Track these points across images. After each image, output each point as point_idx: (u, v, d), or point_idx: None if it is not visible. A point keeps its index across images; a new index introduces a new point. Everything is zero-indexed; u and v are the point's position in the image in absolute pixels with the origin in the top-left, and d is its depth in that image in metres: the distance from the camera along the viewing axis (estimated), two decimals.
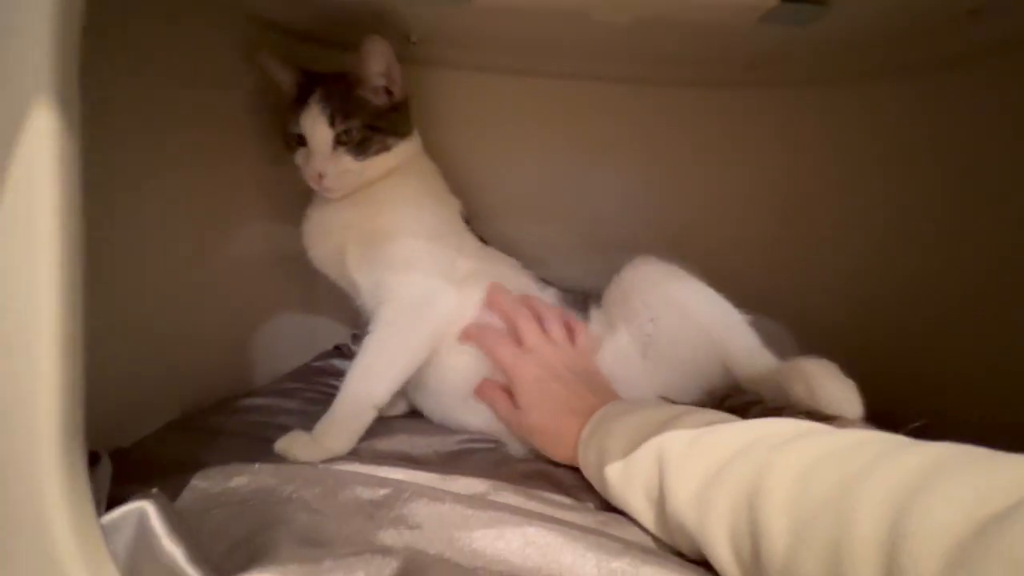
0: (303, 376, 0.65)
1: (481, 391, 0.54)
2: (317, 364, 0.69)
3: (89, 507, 0.24)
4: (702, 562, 0.32)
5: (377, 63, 0.56)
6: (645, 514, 0.36)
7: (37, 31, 0.20)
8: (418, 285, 0.54)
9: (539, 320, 0.54)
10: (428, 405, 0.59)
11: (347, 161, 0.54)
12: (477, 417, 0.55)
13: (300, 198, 0.62)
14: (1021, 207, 0.53)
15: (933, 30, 0.51)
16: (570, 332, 0.54)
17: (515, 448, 0.53)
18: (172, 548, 0.24)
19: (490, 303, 0.56)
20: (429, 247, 0.56)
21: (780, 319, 0.62)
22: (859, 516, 0.23)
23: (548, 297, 0.60)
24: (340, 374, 0.66)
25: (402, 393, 0.59)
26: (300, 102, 0.54)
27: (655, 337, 0.54)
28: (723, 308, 0.53)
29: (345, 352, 0.72)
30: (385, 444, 0.51)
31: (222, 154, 0.58)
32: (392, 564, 0.26)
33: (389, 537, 0.30)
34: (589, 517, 0.37)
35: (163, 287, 0.51)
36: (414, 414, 0.61)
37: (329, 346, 0.75)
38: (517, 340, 0.53)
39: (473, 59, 0.67)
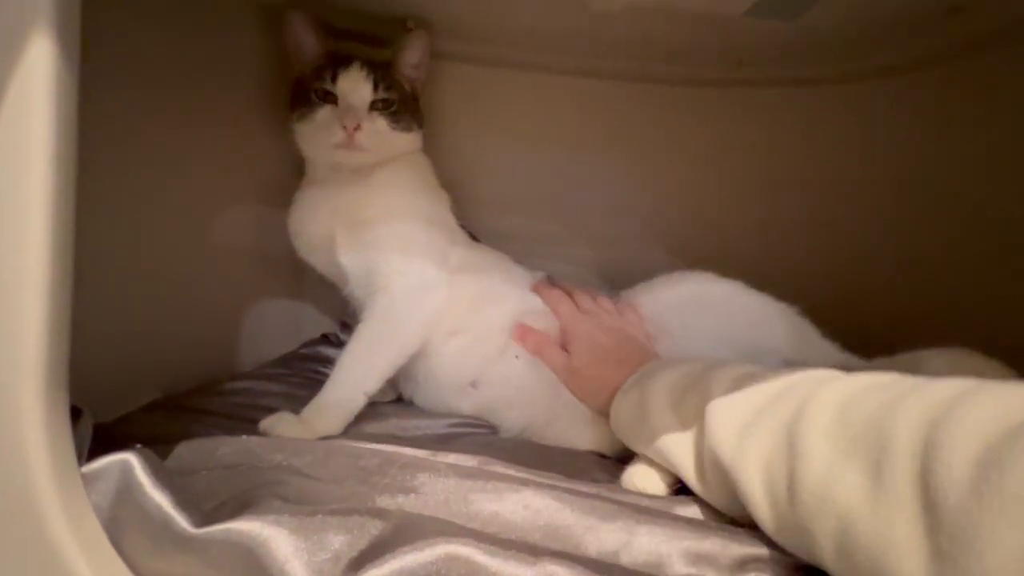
0: (289, 362, 0.64)
1: (523, 336, 0.55)
2: (304, 351, 0.68)
3: (70, 453, 0.23)
4: (721, 519, 0.33)
5: (413, 55, 0.59)
6: (685, 455, 0.37)
7: None
8: (414, 272, 0.54)
9: (590, 294, 0.57)
10: (419, 393, 0.59)
11: (382, 124, 0.56)
12: (469, 402, 0.55)
13: (287, 187, 0.61)
14: (1001, 199, 0.55)
15: (914, 27, 0.53)
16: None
17: (507, 428, 0.53)
18: (158, 496, 0.23)
19: (538, 288, 0.58)
20: (426, 231, 0.57)
21: None
22: (897, 432, 0.24)
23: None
24: (327, 361, 0.65)
25: (391, 380, 0.58)
26: (330, 67, 0.55)
27: (676, 333, 0.54)
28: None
29: (333, 341, 0.71)
30: (375, 427, 0.51)
31: (213, 138, 0.57)
32: (386, 522, 0.25)
33: (383, 501, 0.30)
34: (582, 487, 0.37)
35: (149, 267, 0.50)
36: (401, 401, 0.61)
37: (314, 336, 0.74)
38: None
39: (467, 52, 0.68)
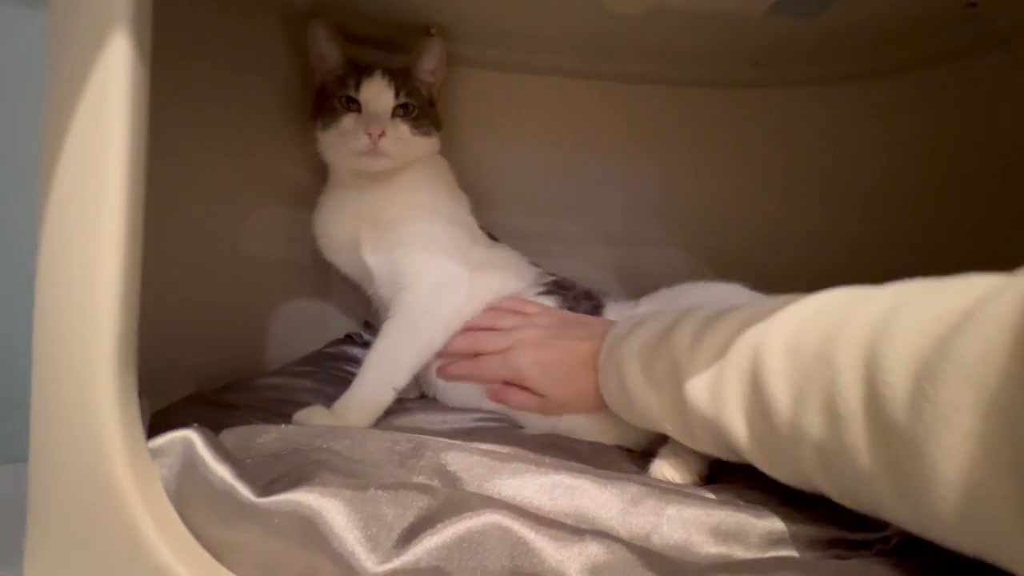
0: (315, 361, 0.65)
1: (496, 398, 0.54)
2: (329, 350, 0.69)
3: (139, 427, 0.25)
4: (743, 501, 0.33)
5: (430, 61, 0.61)
6: (668, 418, 0.38)
7: None
8: (438, 270, 0.55)
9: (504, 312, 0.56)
10: (441, 390, 0.60)
11: (404, 130, 0.57)
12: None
13: (312, 192, 0.63)
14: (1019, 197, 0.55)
15: (931, 24, 0.54)
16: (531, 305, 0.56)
17: (532, 426, 0.54)
18: (220, 469, 0.25)
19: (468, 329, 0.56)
20: (448, 230, 0.58)
21: None
22: (841, 360, 0.25)
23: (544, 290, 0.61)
24: (353, 360, 0.67)
25: (414, 378, 0.59)
26: (353, 76, 0.57)
27: None
28: None
29: (357, 340, 0.72)
30: (402, 421, 0.52)
31: (242, 144, 0.59)
32: (433, 497, 0.26)
33: (420, 482, 0.31)
34: (611, 473, 0.38)
35: (183, 267, 0.52)
36: (425, 398, 0.62)
37: (339, 335, 0.75)
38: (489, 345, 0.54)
39: (487, 56, 0.70)
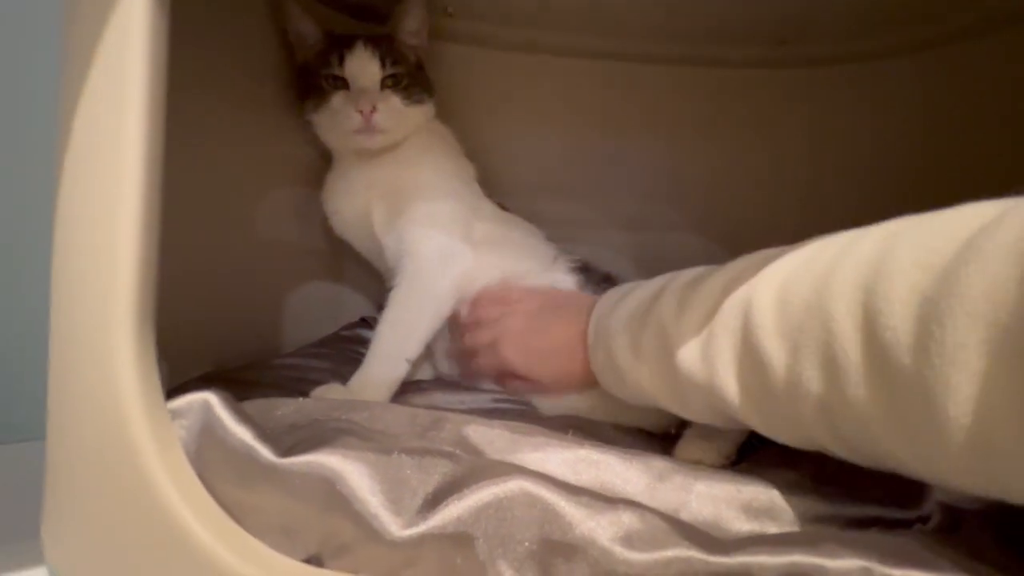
0: (331, 343, 0.65)
1: (502, 383, 0.54)
2: (344, 333, 0.69)
3: (158, 387, 0.24)
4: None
5: (412, 22, 0.58)
6: (659, 388, 0.37)
7: None
8: (437, 241, 0.55)
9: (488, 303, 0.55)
10: (457, 370, 0.59)
11: (396, 101, 0.55)
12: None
13: (321, 172, 0.62)
14: None
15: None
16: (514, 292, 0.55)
17: (551, 408, 0.53)
18: (240, 430, 0.24)
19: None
20: (450, 205, 0.57)
21: None
22: (836, 308, 0.24)
23: (566, 269, 0.60)
24: (367, 343, 0.66)
25: (428, 357, 0.59)
26: (335, 51, 0.55)
27: None
28: None
29: (371, 324, 0.72)
30: (419, 400, 0.51)
31: (250, 126, 0.58)
32: (457, 464, 0.25)
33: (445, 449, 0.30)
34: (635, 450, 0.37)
35: (199, 250, 0.52)
36: (440, 380, 0.61)
37: (353, 319, 0.75)
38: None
39: (504, 36, 0.69)
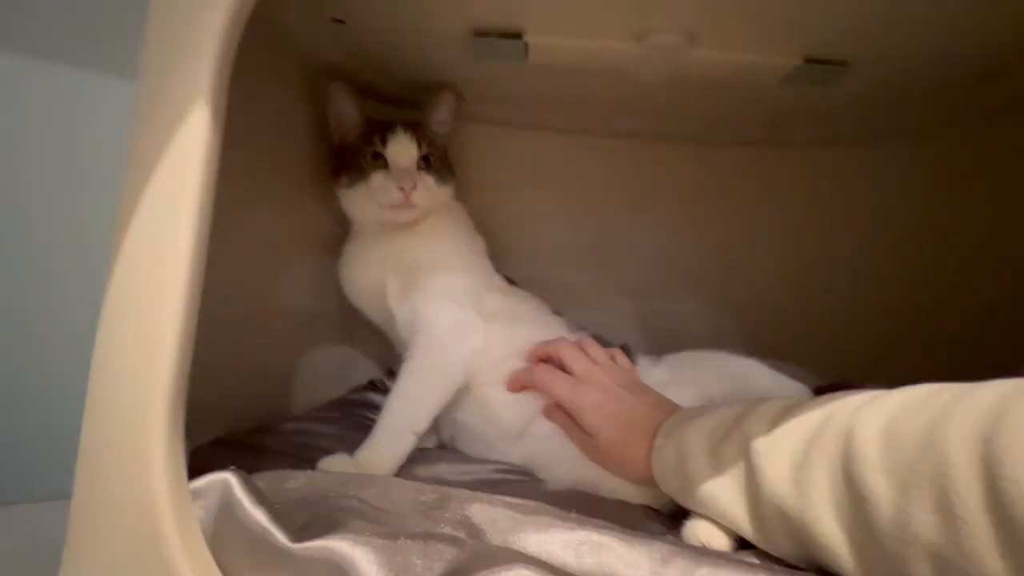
0: (339, 406, 0.66)
1: (550, 414, 0.54)
2: (352, 397, 0.70)
3: (183, 469, 0.25)
4: (783, 565, 0.32)
5: (443, 112, 0.64)
6: (735, 506, 0.35)
7: (204, 47, 0.25)
8: (451, 315, 0.57)
9: (580, 349, 0.55)
10: (462, 439, 0.59)
11: (430, 181, 0.60)
12: (516, 450, 0.56)
13: (335, 242, 0.65)
14: None
15: (946, 91, 0.56)
16: (609, 355, 0.56)
17: (555, 481, 0.53)
18: (257, 512, 0.25)
19: (530, 356, 0.57)
20: (463, 279, 0.60)
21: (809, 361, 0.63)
22: (952, 453, 0.23)
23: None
24: (375, 407, 0.67)
25: (433, 427, 0.59)
26: (376, 133, 0.60)
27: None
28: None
29: (379, 387, 0.73)
30: (424, 471, 0.51)
31: (269, 191, 0.61)
32: (461, 550, 0.26)
33: (449, 532, 0.31)
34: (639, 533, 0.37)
35: (214, 314, 0.54)
36: (445, 448, 0.62)
37: (361, 382, 0.76)
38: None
39: (517, 117, 0.74)
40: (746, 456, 0.34)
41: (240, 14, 0.25)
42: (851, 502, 0.28)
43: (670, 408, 0.48)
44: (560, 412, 0.53)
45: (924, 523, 0.24)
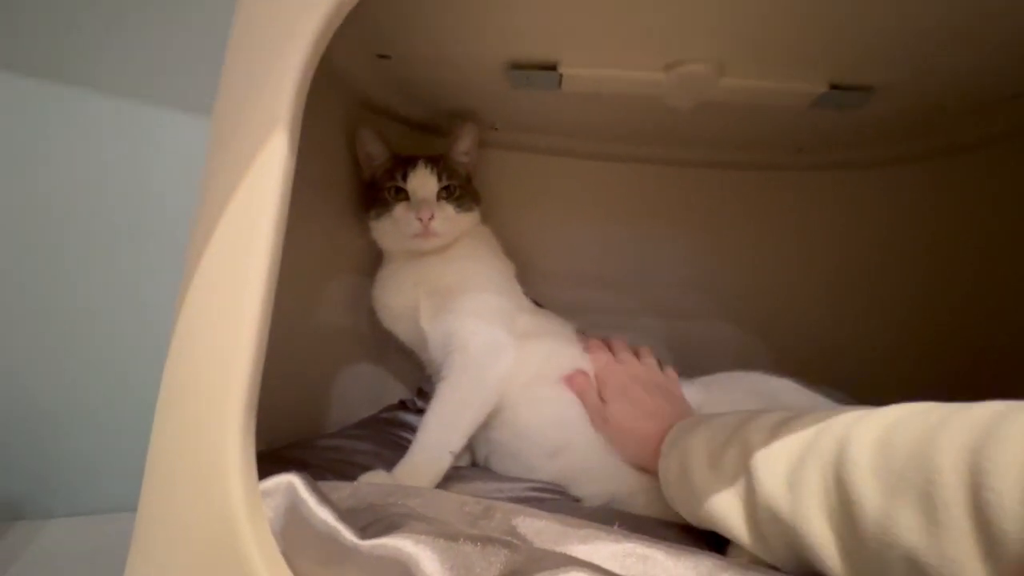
0: (371, 425, 0.67)
1: (572, 380, 0.57)
2: (384, 415, 0.71)
3: (255, 471, 0.27)
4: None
5: (465, 143, 0.67)
6: (734, 513, 0.36)
7: (286, 79, 0.28)
8: (485, 335, 0.58)
9: (634, 350, 0.60)
10: (496, 457, 0.60)
11: (450, 210, 0.62)
12: (552, 466, 0.56)
13: (368, 267, 0.68)
14: None
15: (975, 111, 0.57)
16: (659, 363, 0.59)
17: (589, 498, 0.53)
18: (323, 512, 0.26)
19: (589, 348, 0.61)
20: (495, 300, 0.62)
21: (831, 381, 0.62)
22: (941, 462, 0.24)
23: None
24: (406, 425, 0.68)
25: (467, 446, 0.60)
26: (399, 168, 0.63)
27: None
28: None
29: (410, 406, 0.74)
30: (462, 487, 0.52)
31: (309, 218, 0.64)
32: (517, 553, 0.27)
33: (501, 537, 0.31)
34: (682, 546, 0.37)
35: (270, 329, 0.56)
36: (477, 466, 0.62)
37: (392, 402, 0.77)
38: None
39: (547, 143, 0.77)
40: (745, 465, 0.35)
41: (317, 49, 0.28)
42: (840, 504, 0.29)
43: (685, 409, 0.50)
44: (584, 379, 0.56)
45: (908, 527, 0.25)
